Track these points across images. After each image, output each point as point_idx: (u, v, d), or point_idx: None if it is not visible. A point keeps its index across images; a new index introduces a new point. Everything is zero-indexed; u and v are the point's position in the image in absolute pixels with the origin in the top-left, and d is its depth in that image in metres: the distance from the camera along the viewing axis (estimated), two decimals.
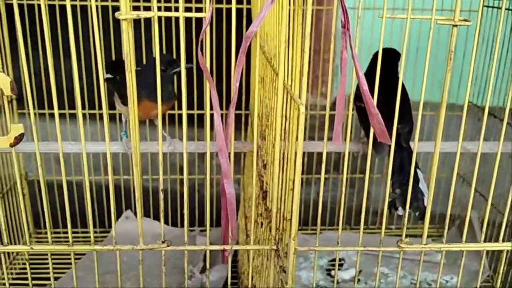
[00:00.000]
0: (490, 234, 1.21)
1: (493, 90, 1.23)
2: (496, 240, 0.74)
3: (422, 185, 0.96)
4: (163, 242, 0.68)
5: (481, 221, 1.29)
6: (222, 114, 0.67)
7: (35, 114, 0.69)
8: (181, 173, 1.56)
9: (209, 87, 0.63)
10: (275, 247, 0.70)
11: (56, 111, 0.63)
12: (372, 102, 0.58)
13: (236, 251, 1.26)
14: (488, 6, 1.23)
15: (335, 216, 1.51)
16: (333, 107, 1.54)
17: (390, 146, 0.95)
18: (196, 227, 1.50)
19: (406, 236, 0.72)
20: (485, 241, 0.73)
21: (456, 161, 0.70)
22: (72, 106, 1.36)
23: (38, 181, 1.35)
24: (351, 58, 0.57)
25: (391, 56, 1.04)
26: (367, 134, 1.01)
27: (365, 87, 0.57)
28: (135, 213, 1.44)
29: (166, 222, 1.44)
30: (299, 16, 0.61)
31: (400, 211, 0.96)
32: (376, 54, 1.05)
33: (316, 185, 1.58)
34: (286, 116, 0.69)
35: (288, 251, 0.69)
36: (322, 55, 1.48)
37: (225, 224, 0.70)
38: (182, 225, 1.49)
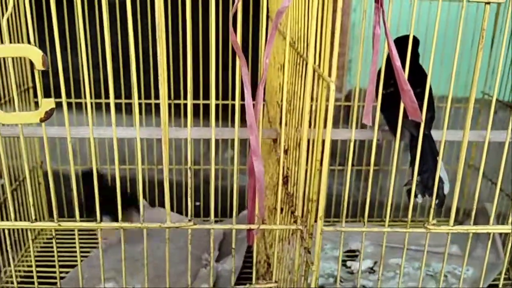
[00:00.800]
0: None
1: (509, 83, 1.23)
2: None
3: (442, 173, 0.96)
4: (189, 220, 0.68)
5: (497, 214, 1.28)
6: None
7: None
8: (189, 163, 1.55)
9: (239, 65, 0.63)
10: (301, 227, 0.70)
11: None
12: (404, 78, 0.58)
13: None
14: None
15: (348, 208, 1.50)
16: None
17: (411, 132, 0.96)
18: (202, 217, 1.49)
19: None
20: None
21: (484, 152, 0.70)
22: (78, 95, 1.34)
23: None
24: (384, 33, 0.57)
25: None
26: (388, 122, 1.01)
27: (397, 63, 0.57)
28: (150, 203, 1.44)
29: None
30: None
31: (419, 199, 0.96)
32: (396, 40, 1.05)
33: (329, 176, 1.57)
34: (313, 99, 0.69)
35: (314, 231, 0.69)
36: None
37: (252, 204, 0.70)
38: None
